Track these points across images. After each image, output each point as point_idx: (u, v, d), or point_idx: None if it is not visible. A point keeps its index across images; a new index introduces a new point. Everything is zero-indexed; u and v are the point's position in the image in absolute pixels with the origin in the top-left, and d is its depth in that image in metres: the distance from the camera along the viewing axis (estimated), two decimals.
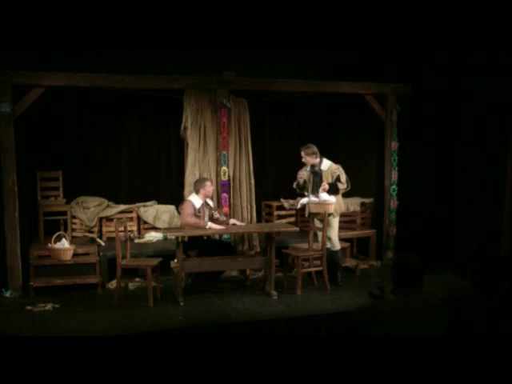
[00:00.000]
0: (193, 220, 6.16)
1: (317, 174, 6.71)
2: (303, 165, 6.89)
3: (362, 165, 7.99)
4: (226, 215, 6.76)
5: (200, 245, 6.49)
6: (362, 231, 8.02)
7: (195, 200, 6.33)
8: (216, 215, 6.55)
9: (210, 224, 6.21)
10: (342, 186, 6.63)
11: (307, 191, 6.79)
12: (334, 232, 6.73)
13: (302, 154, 6.67)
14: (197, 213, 6.28)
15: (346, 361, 2.80)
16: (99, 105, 7.65)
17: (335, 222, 6.73)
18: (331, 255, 6.70)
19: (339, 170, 6.67)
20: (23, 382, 3.24)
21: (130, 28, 4.60)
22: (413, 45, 5.71)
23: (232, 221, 6.56)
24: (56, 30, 4.49)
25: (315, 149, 6.66)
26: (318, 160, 6.69)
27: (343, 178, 6.64)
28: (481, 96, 6.84)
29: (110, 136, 7.94)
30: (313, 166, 6.72)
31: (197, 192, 6.37)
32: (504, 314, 2.94)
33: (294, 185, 6.88)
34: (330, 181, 6.63)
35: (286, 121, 8.61)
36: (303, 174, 6.71)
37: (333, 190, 6.58)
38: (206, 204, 6.43)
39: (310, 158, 6.65)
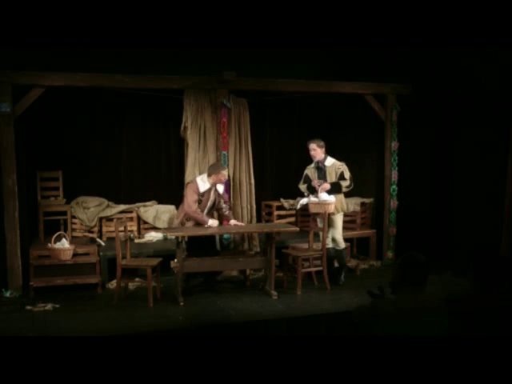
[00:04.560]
0: (195, 213, 6.13)
1: (321, 170, 6.71)
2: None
3: (361, 165, 7.99)
4: (230, 208, 6.69)
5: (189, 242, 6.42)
6: (362, 231, 8.01)
7: (202, 182, 6.25)
8: (222, 205, 6.50)
9: (210, 222, 6.18)
10: (345, 183, 6.62)
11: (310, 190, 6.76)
12: (338, 231, 6.74)
13: (314, 146, 6.63)
14: (200, 196, 6.22)
15: (346, 361, 2.80)
16: (99, 105, 7.65)
17: (339, 221, 6.73)
18: (336, 254, 6.73)
19: (343, 167, 6.68)
20: (23, 382, 3.24)
21: (130, 28, 4.60)
22: (413, 45, 5.72)
23: (232, 222, 6.53)
24: (56, 30, 4.49)
25: (323, 143, 6.69)
26: (323, 155, 6.70)
27: (347, 174, 6.65)
28: (481, 96, 6.84)
29: (109, 136, 7.93)
30: (317, 161, 6.71)
31: (208, 175, 6.30)
32: (504, 314, 2.94)
33: (303, 187, 6.83)
34: (333, 177, 6.64)
35: (286, 121, 8.61)
36: (318, 181, 6.67)
37: (335, 188, 6.58)
38: (214, 190, 6.36)
39: (320, 150, 6.65)
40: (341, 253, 6.78)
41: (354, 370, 2.75)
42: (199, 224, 6.27)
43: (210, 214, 6.54)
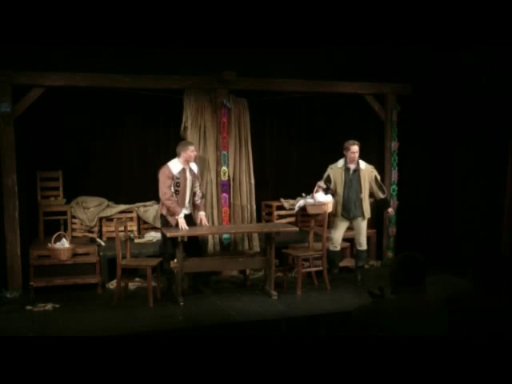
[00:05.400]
0: (169, 200, 6.05)
1: (354, 173, 6.59)
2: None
3: None
4: (203, 197, 6.56)
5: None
6: None
7: (174, 165, 6.17)
8: (196, 188, 6.36)
9: (181, 215, 6.03)
10: (385, 193, 6.77)
11: (333, 190, 6.71)
12: (364, 233, 6.77)
13: (356, 148, 6.54)
14: (175, 179, 6.13)
15: (346, 361, 2.79)
16: (99, 105, 7.64)
17: (365, 224, 6.75)
18: (358, 255, 6.83)
19: (375, 171, 6.71)
20: (23, 382, 3.24)
21: (130, 28, 4.60)
22: (413, 45, 5.72)
23: (201, 214, 6.37)
24: (56, 30, 4.49)
25: None
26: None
27: (379, 178, 6.70)
28: (480, 96, 6.84)
29: (109, 136, 7.92)
30: (347, 162, 6.61)
31: (178, 155, 6.23)
32: (504, 314, 2.94)
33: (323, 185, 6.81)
34: (366, 181, 6.60)
35: (286, 121, 8.60)
36: (322, 184, 6.67)
37: (385, 204, 6.84)
38: (189, 170, 6.27)
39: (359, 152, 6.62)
40: (362, 253, 6.81)
41: (354, 370, 2.75)
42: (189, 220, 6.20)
43: (199, 207, 6.40)
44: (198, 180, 6.43)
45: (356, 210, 6.61)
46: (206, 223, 6.47)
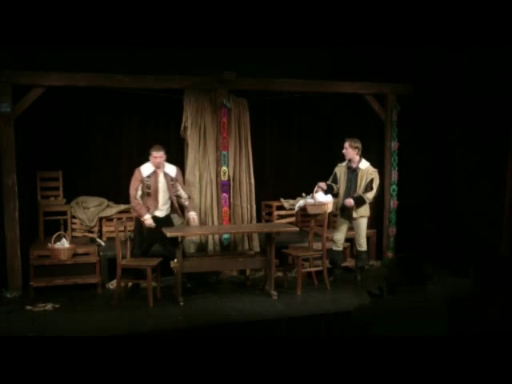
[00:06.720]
0: (134, 202, 6.18)
1: (353, 172, 6.64)
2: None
3: None
4: (189, 198, 6.55)
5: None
6: None
7: (145, 168, 6.27)
8: (180, 192, 6.40)
9: (147, 217, 6.10)
10: (371, 195, 6.58)
11: (335, 188, 6.73)
12: (363, 235, 6.75)
13: (346, 145, 6.59)
14: (145, 181, 6.20)
15: (346, 361, 2.80)
16: (99, 105, 7.64)
17: (363, 225, 6.72)
18: (357, 255, 6.85)
19: (375, 174, 6.63)
20: (23, 382, 3.24)
21: (130, 28, 4.60)
22: (413, 45, 5.72)
23: (192, 214, 6.39)
24: (56, 31, 4.49)
25: (359, 145, 6.62)
26: (357, 158, 6.63)
27: (376, 183, 6.61)
28: (480, 96, 6.84)
29: (109, 136, 7.92)
30: (349, 160, 6.65)
31: (150, 159, 6.32)
32: (504, 314, 2.94)
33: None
34: (363, 182, 6.59)
35: (286, 121, 8.60)
36: (323, 184, 6.67)
37: (359, 202, 6.55)
38: (164, 173, 6.29)
39: (351, 150, 6.58)
40: (361, 254, 6.81)
41: (354, 370, 2.75)
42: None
43: (188, 208, 6.42)
44: (178, 183, 6.43)
45: (351, 210, 6.61)
46: (197, 223, 6.50)
